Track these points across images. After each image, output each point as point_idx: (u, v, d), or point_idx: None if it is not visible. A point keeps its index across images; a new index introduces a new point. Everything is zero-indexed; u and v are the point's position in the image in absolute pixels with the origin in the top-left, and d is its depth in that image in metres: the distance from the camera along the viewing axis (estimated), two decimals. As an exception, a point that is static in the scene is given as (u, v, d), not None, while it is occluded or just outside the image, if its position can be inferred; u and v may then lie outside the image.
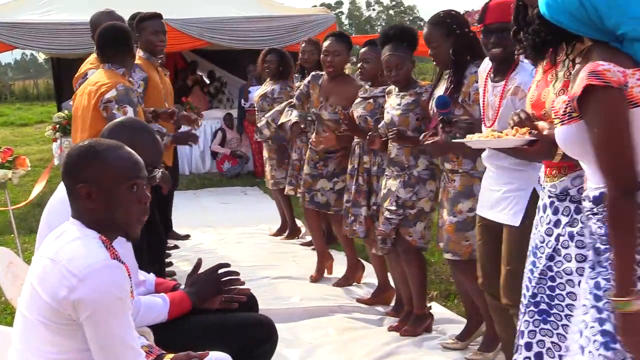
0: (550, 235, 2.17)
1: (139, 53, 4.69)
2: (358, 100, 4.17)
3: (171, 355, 2.20)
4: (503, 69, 2.95)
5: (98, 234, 2.00)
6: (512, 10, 2.49)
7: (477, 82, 3.18)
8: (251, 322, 2.70)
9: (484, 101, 3.02)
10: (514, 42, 2.50)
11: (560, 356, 2.13)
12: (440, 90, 3.41)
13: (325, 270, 5.03)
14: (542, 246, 2.20)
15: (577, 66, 1.96)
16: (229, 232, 6.53)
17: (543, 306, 2.18)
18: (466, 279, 3.52)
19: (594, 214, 1.94)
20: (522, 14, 2.40)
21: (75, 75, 4.47)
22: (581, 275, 2.05)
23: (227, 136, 9.80)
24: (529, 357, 2.21)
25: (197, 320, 2.61)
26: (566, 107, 1.92)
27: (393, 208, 3.73)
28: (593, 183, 1.95)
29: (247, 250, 5.84)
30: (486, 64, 3.06)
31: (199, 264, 2.79)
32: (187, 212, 7.09)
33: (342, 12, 64.65)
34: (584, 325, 1.97)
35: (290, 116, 4.98)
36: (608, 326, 1.87)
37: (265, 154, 6.11)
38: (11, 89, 27.31)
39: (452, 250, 3.43)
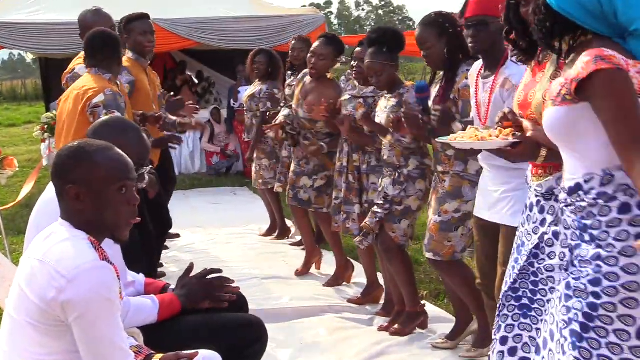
0: (536, 234, 2.18)
1: (128, 54, 4.65)
2: (347, 97, 4.19)
3: (160, 355, 2.19)
4: (492, 63, 2.95)
5: (87, 235, 1.99)
6: (493, 4, 2.45)
7: (467, 79, 3.20)
8: (241, 323, 2.69)
9: (476, 100, 3.02)
10: (509, 42, 2.46)
11: (536, 351, 2.13)
12: (434, 93, 3.42)
13: (314, 265, 5.05)
14: (527, 243, 2.21)
15: (572, 55, 1.93)
16: (218, 232, 6.51)
17: (525, 301, 2.19)
18: (450, 280, 3.53)
19: (567, 206, 1.95)
20: (513, 12, 2.34)
21: (64, 72, 4.44)
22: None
23: (215, 130, 9.82)
24: (502, 352, 2.22)
25: (187, 320, 2.60)
26: (561, 89, 1.89)
27: (380, 202, 3.76)
28: (569, 173, 1.95)
29: (237, 251, 5.83)
30: (477, 65, 3.06)
31: (190, 267, 2.79)
32: (176, 212, 6.95)
33: (331, 12, 64.73)
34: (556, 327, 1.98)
35: (280, 115, 5.00)
36: (575, 326, 1.87)
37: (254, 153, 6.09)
38: (-1, 89, 27.26)
39: (433, 250, 3.44)
